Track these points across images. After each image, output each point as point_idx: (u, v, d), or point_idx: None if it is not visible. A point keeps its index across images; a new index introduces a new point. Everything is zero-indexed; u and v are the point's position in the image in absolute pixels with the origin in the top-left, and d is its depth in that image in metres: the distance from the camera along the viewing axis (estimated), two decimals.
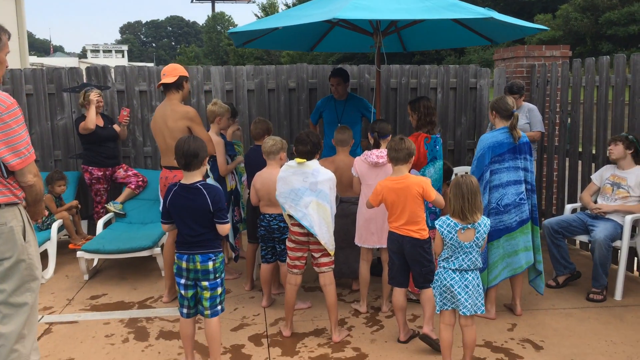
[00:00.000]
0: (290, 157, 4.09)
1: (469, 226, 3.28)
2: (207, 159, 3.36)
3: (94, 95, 5.76)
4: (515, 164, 4.14)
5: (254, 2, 72.43)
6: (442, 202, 3.76)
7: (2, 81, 6.20)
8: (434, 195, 3.68)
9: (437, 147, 4.50)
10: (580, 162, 5.90)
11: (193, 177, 3.30)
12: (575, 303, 4.55)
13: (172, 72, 4.51)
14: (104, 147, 5.91)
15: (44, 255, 5.31)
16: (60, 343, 3.93)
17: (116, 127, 6.10)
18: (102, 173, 5.91)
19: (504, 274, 4.20)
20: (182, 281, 3.32)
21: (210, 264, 3.28)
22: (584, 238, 4.91)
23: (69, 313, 4.48)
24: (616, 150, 4.82)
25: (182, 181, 3.32)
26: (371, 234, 4.29)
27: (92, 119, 5.70)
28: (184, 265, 3.29)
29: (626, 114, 5.25)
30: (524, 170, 4.18)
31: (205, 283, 3.29)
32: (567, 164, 6.18)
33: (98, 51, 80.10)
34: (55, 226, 5.50)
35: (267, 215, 4.28)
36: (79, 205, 6.06)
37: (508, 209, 4.12)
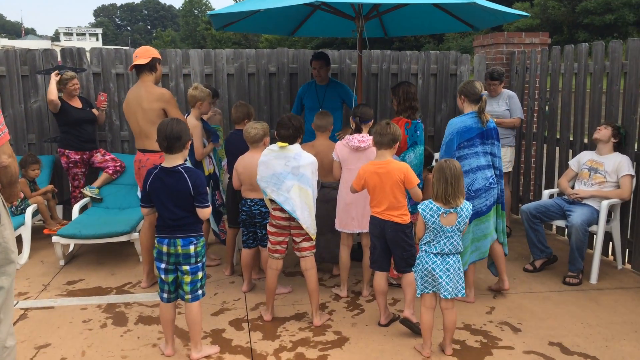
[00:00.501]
0: (272, 141, 4.05)
1: (452, 210, 3.29)
2: (189, 142, 3.31)
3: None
4: (484, 149, 4.14)
5: None
6: (420, 194, 3.73)
7: None
8: (415, 182, 3.66)
9: (418, 132, 4.51)
10: (557, 148, 5.97)
11: (175, 160, 3.25)
12: (552, 286, 4.63)
13: (144, 53, 4.43)
14: (81, 130, 5.79)
15: (19, 241, 5.18)
16: (36, 328, 3.86)
17: (95, 111, 5.99)
18: (79, 157, 5.80)
19: (472, 257, 4.22)
20: (163, 265, 3.28)
21: (192, 247, 3.25)
22: (561, 223, 4.98)
23: (45, 298, 4.40)
24: (604, 132, 4.89)
25: (163, 164, 3.27)
26: (352, 218, 4.28)
27: (52, 90, 5.61)
28: (164, 249, 3.24)
29: (604, 102, 5.32)
30: (491, 155, 4.19)
31: (187, 267, 3.26)
32: (544, 150, 6.25)
33: (71, 34, 78.54)
34: (29, 211, 5.39)
35: (249, 200, 4.25)
36: (55, 190, 5.95)
37: (479, 193, 4.13)
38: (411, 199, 4.31)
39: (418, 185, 3.93)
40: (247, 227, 4.35)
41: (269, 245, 3.95)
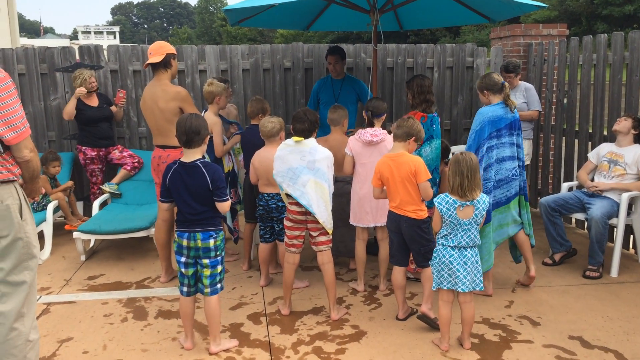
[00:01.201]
0: (288, 136, 4.06)
1: (468, 203, 3.28)
2: (208, 137, 3.33)
3: (80, 89, 5.72)
4: (511, 140, 4.14)
5: None
6: (429, 193, 3.64)
7: None
8: (425, 177, 3.60)
9: (434, 125, 4.48)
10: (576, 140, 5.90)
11: (193, 155, 3.28)
12: (571, 280, 4.58)
13: (158, 50, 4.40)
14: (97, 127, 5.86)
15: (40, 237, 5.27)
16: (58, 323, 3.93)
17: (113, 108, 6.07)
18: (95, 153, 5.87)
19: (491, 247, 4.19)
20: (183, 259, 3.31)
21: (212, 241, 3.28)
22: (580, 216, 4.93)
23: (66, 293, 4.47)
24: (624, 123, 4.84)
25: (182, 159, 3.30)
26: (366, 213, 4.28)
27: (68, 111, 5.76)
28: (184, 243, 3.28)
29: (623, 93, 5.25)
30: (517, 146, 4.18)
31: (206, 261, 3.29)
32: (563, 142, 6.18)
33: (89, 32, 79.31)
34: (50, 207, 5.47)
35: (266, 195, 4.27)
36: (74, 186, 6.03)
37: (500, 184, 4.14)
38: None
39: (435, 179, 3.91)
40: (264, 222, 4.37)
41: (285, 239, 3.97)
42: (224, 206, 3.29)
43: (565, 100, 6.15)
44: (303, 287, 4.50)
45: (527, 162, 5.99)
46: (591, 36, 5.59)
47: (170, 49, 4.46)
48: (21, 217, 2.63)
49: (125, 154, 6.03)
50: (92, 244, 5.50)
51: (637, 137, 4.82)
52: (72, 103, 5.74)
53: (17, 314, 2.64)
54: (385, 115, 4.33)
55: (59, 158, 5.84)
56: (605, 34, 5.40)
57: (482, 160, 4.09)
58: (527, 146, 5.92)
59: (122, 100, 6.10)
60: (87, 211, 6.34)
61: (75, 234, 5.04)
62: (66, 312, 4.11)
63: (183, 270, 3.34)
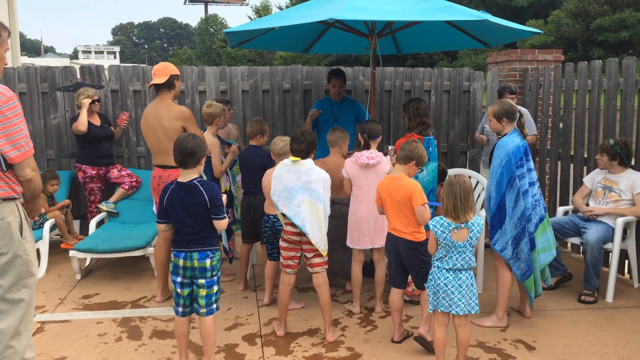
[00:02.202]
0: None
1: (463, 225, 3.30)
2: (204, 158, 3.36)
3: (86, 100, 5.75)
4: (528, 166, 4.02)
5: (247, 5, 72.44)
6: (425, 217, 3.63)
7: None
8: (421, 201, 3.61)
9: (430, 148, 4.53)
10: (572, 165, 5.95)
11: (190, 175, 3.30)
12: (567, 304, 4.58)
13: (162, 71, 4.50)
14: (99, 146, 5.90)
15: (36, 255, 5.27)
16: (53, 342, 3.91)
17: (112, 128, 6.12)
18: (95, 172, 5.89)
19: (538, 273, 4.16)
20: (179, 279, 3.32)
21: (208, 261, 3.29)
22: (576, 240, 4.95)
23: (61, 312, 4.45)
24: (602, 160, 4.91)
25: (179, 179, 3.32)
26: (363, 235, 4.29)
27: (83, 122, 5.70)
28: (181, 263, 3.28)
29: (618, 118, 5.31)
30: (532, 170, 4.07)
31: (202, 281, 3.29)
32: (559, 167, 6.23)
33: (90, 52, 79.79)
34: (47, 225, 5.47)
35: (272, 217, 4.30)
36: (71, 205, 6.04)
37: (529, 216, 4.00)
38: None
39: (431, 202, 3.94)
40: (271, 244, 4.39)
41: (281, 260, 3.97)
42: (222, 224, 3.31)
43: (560, 125, 6.21)
44: (299, 308, 4.49)
45: None
46: (586, 62, 5.67)
47: (174, 70, 4.53)
48: (21, 234, 2.65)
49: (123, 173, 6.05)
50: (87, 262, 5.50)
51: (623, 162, 4.83)
52: (84, 114, 5.72)
53: (14, 332, 2.64)
54: (380, 137, 4.37)
55: (58, 176, 5.86)
56: (600, 60, 5.48)
57: (518, 191, 3.93)
58: None
59: (124, 122, 6.16)
60: (84, 230, 6.34)
61: (72, 253, 5.03)
62: (60, 331, 4.09)
63: (179, 290, 3.34)
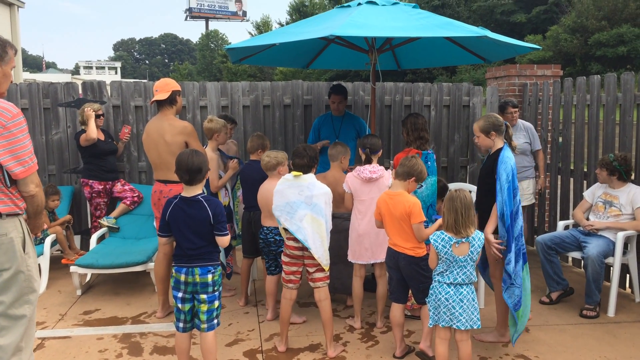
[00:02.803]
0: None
1: (464, 240, 3.31)
2: (209, 172, 3.38)
3: (89, 110, 5.78)
4: (515, 184, 3.86)
5: (247, 21, 72.93)
6: (422, 235, 3.63)
7: None
8: (419, 219, 3.60)
9: (429, 162, 4.56)
10: (572, 179, 5.97)
11: (194, 190, 3.32)
12: (568, 319, 4.57)
13: (164, 87, 4.53)
14: (105, 160, 5.94)
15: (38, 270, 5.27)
16: (53, 358, 3.89)
17: (115, 142, 6.15)
18: (102, 187, 5.91)
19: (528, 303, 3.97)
20: (180, 295, 3.31)
21: (210, 276, 3.28)
22: (576, 254, 4.95)
23: (61, 328, 4.44)
24: (601, 175, 4.93)
25: (183, 194, 3.33)
26: (365, 249, 4.29)
27: (94, 130, 5.73)
28: (182, 278, 3.28)
29: (617, 133, 5.33)
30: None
31: (204, 296, 3.29)
32: (559, 181, 6.25)
33: (91, 67, 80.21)
34: (48, 241, 5.47)
35: (265, 228, 4.32)
36: (72, 220, 6.04)
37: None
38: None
39: (430, 216, 3.95)
40: (267, 255, 4.40)
41: (283, 274, 3.97)
42: (225, 240, 3.32)
43: (560, 140, 6.24)
44: (300, 322, 4.48)
45: (533, 201, 6.04)
46: (585, 77, 5.71)
47: (176, 85, 4.57)
48: (24, 250, 2.66)
49: (126, 187, 6.07)
50: (88, 278, 5.49)
51: (622, 177, 4.84)
52: (92, 124, 5.73)
53: (16, 348, 2.64)
54: (381, 151, 4.40)
55: (59, 192, 5.87)
56: (599, 75, 5.52)
57: (518, 208, 3.80)
58: (532, 185, 5.99)
59: (126, 136, 6.20)
60: (85, 245, 6.34)
61: (72, 268, 5.03)
62: (61, 347, 4.07)
63: (180, 305, 3.33)
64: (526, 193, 5.94)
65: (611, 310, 4.66)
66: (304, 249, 3.80)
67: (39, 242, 5.54)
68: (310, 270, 3.87)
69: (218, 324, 3.39)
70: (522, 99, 6.81)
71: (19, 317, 2.65)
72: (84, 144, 5.78)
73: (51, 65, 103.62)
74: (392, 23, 4.22)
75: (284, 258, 3.95)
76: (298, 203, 3.78)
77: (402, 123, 4.72)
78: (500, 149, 3.85)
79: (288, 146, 6.72)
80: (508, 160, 3.79)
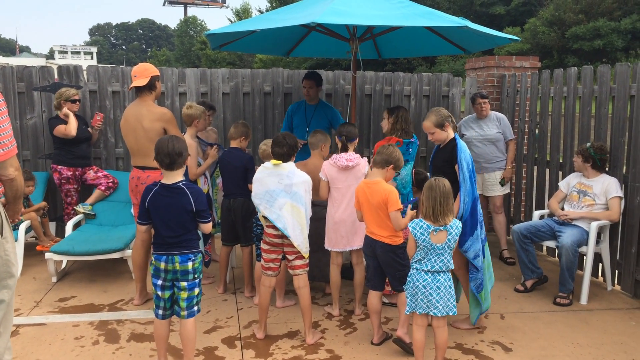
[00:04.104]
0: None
1: (441, 228, 3.34)
2: (188, 158, 3.35)
3: (70, 106, 5.70)
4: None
5: (227, 7, 72.23)
6: (400, 223, 3.64)
7: None
8: (395, 207, 3.62)
9: (411, 150, 4.63)
10: (547, 170, 6.06)
11: (175, 177, 3.28)
12: (542, 307, 4.66)
13: (142, 72, 4.46)
14: (76, 147, 5.83)
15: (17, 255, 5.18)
16: (28, 345, 3.85)
17: (89, 129, 6.04)
18: (71, 173, 5.81)
19: (489, 285, 4.11)
20: (159, 282, 3.29)
21: (190, 264, 3.27)
22: (551, 243, 5.04)
23: (37, 315, 4.38)
24: (577, 162, 5.04)
25: (163, 181, 3.30)
26: (341, 237, 4.30)
27: (74, 127, 5.69)
28: (162, 266, 3.26)
29: (592, 125, 5.42)
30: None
31: (184, 283, 3.27)
32: (535, 172, 6.34)
33: (66, 52, 78.70)
34: (22, 227, 5.39)
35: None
36: (47, 207, 5.94)
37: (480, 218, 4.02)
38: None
39: (410, 203, 3.98)
40: (259, 242, 4.38)
41: (262, 262, 3.97)
42: (208, 227, 3.32)
43: (537, 131, 6.32)
44: (292, 304, 4.57)
45: (507, 191, 6.10)
46: (562, 69, 5.78)
47: (155, 71, 4.51)
48: (1, 235, 2.61)
49: (100, 174, 5.98)
50: (64, 265, 5.41)
51: (596, 167, 4.95)
52: (73, 119, 5.71)
53: None
54: (357, 139, 4.41)
55: (33, 177, 5.77)
56: (576, 68, 5.60)
57: (474, 199, 3.88)
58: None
59: (98, 123, 6.10)
60: (60, 232, 6.25)
61: (48, 255, 4.96)
62: (36, 334, 4.03)
63: (159, 293, 3.31)
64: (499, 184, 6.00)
65: (584, 298, 4.76)
66: (284, 236, 3.80)
67: (13, 228, 5.44)
68: (290, 257, 3.88)
69: (198, 310, 3.38)
70: (500, 90, 6.87)
71: None
72: (57, 135, 5.69)
73: (25, 49, 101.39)
74: (373, 11, 4.21)
75: (263, 246, 3.95)
76: (277, 191, 3.78)
77: (389, 111, 4.70)
78: (453, 139, 3.97)
79: (267, 134, 6.69)
80: (465, 148, 3.91)
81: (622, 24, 25.64)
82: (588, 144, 4.96)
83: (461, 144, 3.93)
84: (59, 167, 5.80)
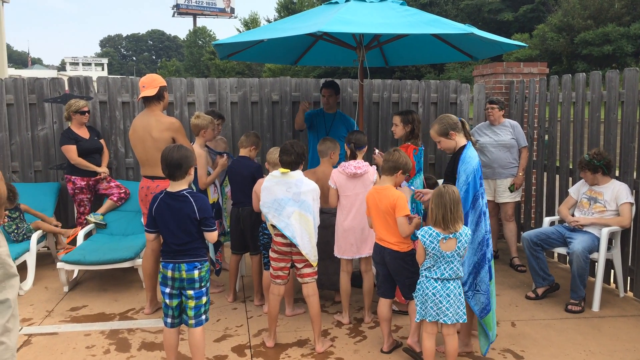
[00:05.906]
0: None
1: (451, 236, 3.33)
2: (192, 168, 3.37)
3: (80, 118, 5.83)
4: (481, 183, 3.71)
5: (235, 17, 72.64)
6: (405, 229, 3.62)
7: None
8: (403, 212, 3.61)
9: (422, 158, 4.63)
10: (557, 176, 6.03)
11: (179, 186, 3.31)
12: (554, 314, 4.63)
13: (151, 83, 4.50)
14: (89, 158, 5.90)
15: (23, 267, 5.24)
16: (40, 354, 3.87)
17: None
18: (85, 183, 5.87)
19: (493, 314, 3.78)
20: (167, 290, 3.31)
21: (196, 272, 3.28)
22: (562, 250, 5.00)
23: (48, 324, 4.41)
24: (586, 177, 5.00)
25: (169, 189, 3.33)
26: (350, 244, 4.30)
27: (76, 159, 5.81)
28: (169, 274, 3.28)
29: (602, 130, 5.40)
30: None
31: (191, 292, 3.29)
32: (545, 178, 6.31)
33: (77, 64, 79.42)
34: (34, 237, 5.43)
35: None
36: (59, 225, 6.00)
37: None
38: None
39: (420, 212, 3.97)
40: (267, 250, 4.40)
41: (271, 270, 3.98)
42: (213, 236, 3.32)
43: (546, 137, 6.30)
44: (301, 312, 4.56)
45: (518, 199, 6.06)
46: (570, 75, 5.77)
47: (162, 81, 4.56)
48: None
49: (112, 184, 6.03)
50: (75, 274, 5.45)
51: (606, 173, 4.91)
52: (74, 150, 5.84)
53: (3, 329, 2.64)
54: (366, 147, 4.41)
55: (17, 194, 5.59)
56: (584, 73, 5.58)
57: (481, 212, 3.61)
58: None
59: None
60: (72, 241, 6.29)
61: (59, 265, 5.00)
62: (48, 344, 4.05)
63: (167, 301, 3.33)
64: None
65: (596, 305, 4.72)
66: (292, 245, 3.81)
67: (25, 238, 5.49)
68: (299, 265, 3.88)
69: (206, 319, 3.39)
70: (508, 97, 6.86)
71: (3, 301, 2.65)
72: (64, 152, 5.82)
73: (37, 62, 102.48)
74: (379, 20, 4.23)
75: (271, 254, 3.95)
76: (286, 200, 3.79)
77: (402, 117, 4.60)
78: (463, 147, 3.73)
79: (276, 142, 6.71)
80: (470, 160, 3.62)
81: (631, 29, 25.55)
82: (586, 157, 4.92)
83: (465, 154, 3.66)
84: (73, 177, 5.86)
